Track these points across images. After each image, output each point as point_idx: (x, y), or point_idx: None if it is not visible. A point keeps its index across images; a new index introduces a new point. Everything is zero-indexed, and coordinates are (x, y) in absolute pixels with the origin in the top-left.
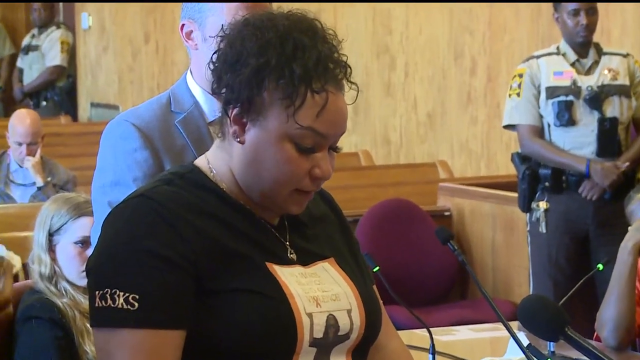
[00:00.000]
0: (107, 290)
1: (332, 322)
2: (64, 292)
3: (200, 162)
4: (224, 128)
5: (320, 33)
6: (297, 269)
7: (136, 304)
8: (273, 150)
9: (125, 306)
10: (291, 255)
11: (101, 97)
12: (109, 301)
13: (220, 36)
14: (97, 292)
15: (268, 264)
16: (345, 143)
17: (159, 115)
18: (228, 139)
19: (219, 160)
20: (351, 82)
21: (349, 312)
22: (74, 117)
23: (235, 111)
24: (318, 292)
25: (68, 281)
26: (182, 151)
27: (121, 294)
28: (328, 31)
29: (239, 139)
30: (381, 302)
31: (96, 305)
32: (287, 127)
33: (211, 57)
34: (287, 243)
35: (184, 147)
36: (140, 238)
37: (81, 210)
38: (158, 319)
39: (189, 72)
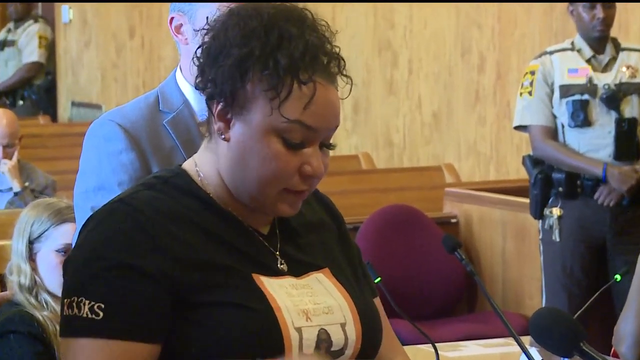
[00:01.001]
0: (74, 299)
1: (324, 337)
2: (44, 304)
3: (188, 165)
4: (210, 126)
5: (309, 22)
6: (288, 280)
7: (101, 314)
8: (259, 146)
9: (89, 315)
10: (281, 266)
11: (83, 95)
12: (75, 309)
13: (205, 29)
14: (65, 300)
15: (255, 276)
16: (345, 145)
17: (146, 115)
18: (214, 138)
19: (207, 162)
20: (345, 75)
21: (343, 325)
22: (54, 117)
23: (219, 106)
24: (309, 304)
25: (49, 292)
26: (171, 153)
27: (87, 302)
28: (320, 22)
29: (223, 136)
30: (384, 315)
31: (64, 313)
32: (273, 121)
33: (195, 52)
34: (277, 253)
35: (173, 149)
36: (113, 247)
37: (63, 216)
38: (121, 330)
39: (178, 68)
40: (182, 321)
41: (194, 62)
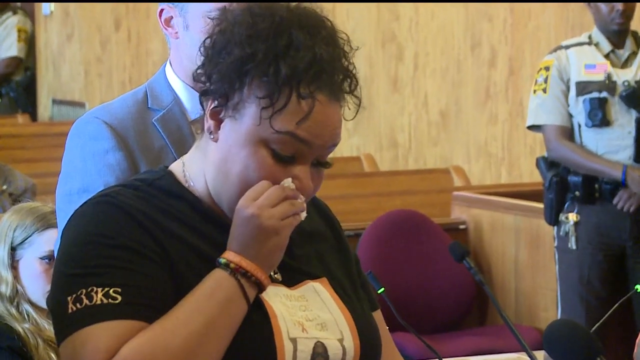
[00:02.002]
0: (82, 291)
1: (320, 351)
2: (25, 316)
3: (175, 166)
4: (202, 124)
5: (325, 33)
6: (281, 290)
7: (119, 297)
8: (243, 153)
9: (105, 300)
10: (275, 275)
11: (64, 93)
12: (85, 301)
13: (217, 19)
14: (69, 298)
15: None
16: (346, 146)
17: (134, 113)
18: (205, 137)
19: (195, 163)
20: (355, 97)
21: (340, 341)
22: (33, 116)
23: (212, 104)
24: (302, 319)
25: (31, 303)
26: (161, 153)
27: (99, 289)
28: (340, 34)
29: (212, 136)
30: (385, 329)
31: (69, 311)
32: (261, 131)
33: (204, 40)
34: None
35: (163, 148)
36: (111, 234)
37: (48, 221)
38: (145, 313)
39: (168, 63)
40: None
41: (200, 51)
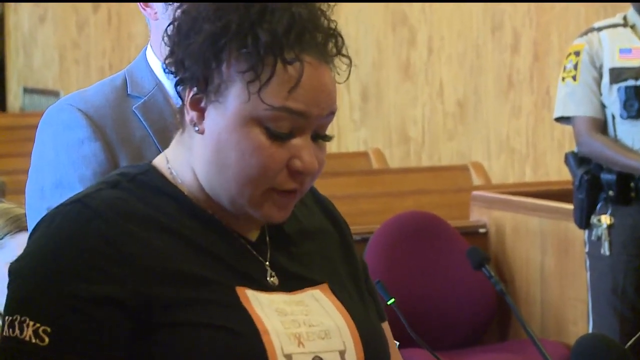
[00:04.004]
0: (17, 317)
1: None
2: None
3: (159, 161)
4: (183, 116)
5: None
6: (279, 296)
7: (47, 339)
8: (236, 138)
9: (33, 340)
10: (271, 279)
11: (37, 80)
12: (17, 330)
13: (177, 1)
14: (7, 318)
15: (239, 289)
16: (352, 140)
17: (113, 100)
18: (188, 130)
19: (179, 158)
20: (344, 56)
21: (342, 353)
22: (2, 107)
23: (191, 93)
24: (303, 327)
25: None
26: (142, 144)
27: (31, 323)
28: None
29: (197, 128)
30: (393, 342)
31: (4, 333)
32: (252, 108)
33: (166, 28)
34: (267, 263)
35: (145, 139)
36: (66, 260)
37: (22, 224)
38: None
39: (149, 46)
40: (148, 345)
41: (164, 41)
